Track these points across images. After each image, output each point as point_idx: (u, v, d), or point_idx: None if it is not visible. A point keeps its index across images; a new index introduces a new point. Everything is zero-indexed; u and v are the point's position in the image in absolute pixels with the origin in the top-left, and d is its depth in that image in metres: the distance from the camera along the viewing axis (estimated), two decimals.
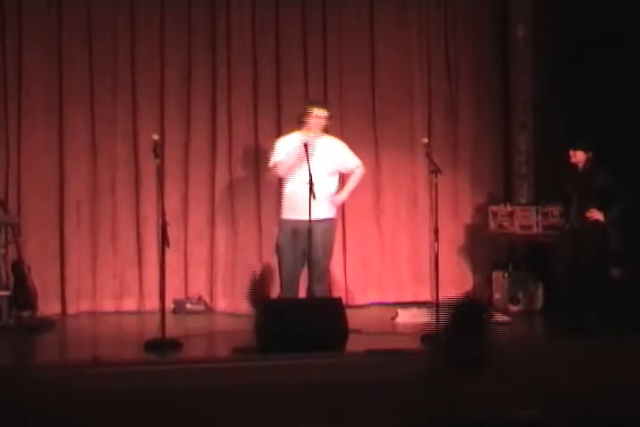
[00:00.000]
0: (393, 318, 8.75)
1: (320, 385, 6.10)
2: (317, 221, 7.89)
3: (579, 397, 6.21)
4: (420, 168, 9.73)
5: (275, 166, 8.26)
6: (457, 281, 9.75)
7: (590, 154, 8.35)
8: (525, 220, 9.17)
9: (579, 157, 8.37)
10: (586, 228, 8.22)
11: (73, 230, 9.27)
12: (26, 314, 8.33)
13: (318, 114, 8.16)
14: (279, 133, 9.29)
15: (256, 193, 9.62)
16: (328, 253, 8.25)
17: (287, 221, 8.16)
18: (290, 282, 8.15)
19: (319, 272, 8.13)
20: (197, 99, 9.59)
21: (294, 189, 8.09)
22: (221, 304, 9.47)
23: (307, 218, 7.72)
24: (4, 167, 9.16)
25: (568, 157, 8.38)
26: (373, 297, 9.86)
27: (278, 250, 8.22)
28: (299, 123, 8.25)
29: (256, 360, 6.54)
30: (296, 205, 8.00)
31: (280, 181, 8.44)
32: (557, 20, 9.53)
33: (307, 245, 7.87)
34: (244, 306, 9.13)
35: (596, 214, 8.18)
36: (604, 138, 9.08)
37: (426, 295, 9.68)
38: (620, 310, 8.13)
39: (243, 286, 9.37)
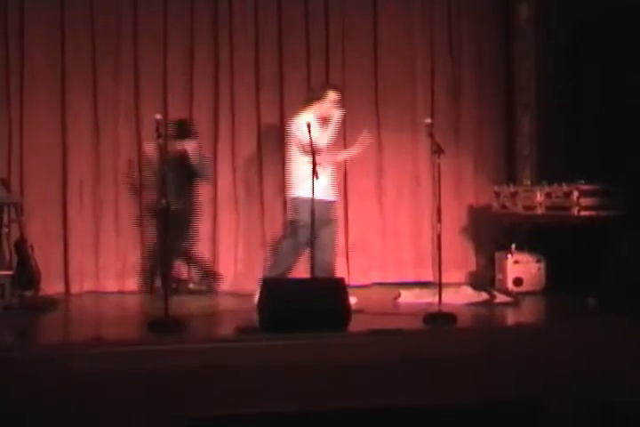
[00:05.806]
0: (395, 299, 8.76)
1: (322, 365, 6.11)
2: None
3: (580, 377, 6.23)
4: (422, 149, 9.72)
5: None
6: (459, 262, 9.76)
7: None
8: (528, 200, 9.15)
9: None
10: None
11: (76, 210, 9.29)
12: (29, 293, 8.35)
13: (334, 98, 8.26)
14: (282, 114, 9.31)
15: (259, 173, 9.64)
16: None
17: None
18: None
19: None
20: (200, 80, 9.59)
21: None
22: (224, 284, 9.49)
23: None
24: (6, 147, 9.17)
25: None
26: (375, 277, 9.88)
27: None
28: (308, 103, 8.26)
29: (259, 340, 6.54)
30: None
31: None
32: (561, 0, 9.49)
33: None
34: (247, 286, 9.15)
35: None
36: (608, 119, 9.06)
37: (428, 276, 9.72)
38: (622, 290, 8.12)
39: (245, 265, 9.39)
